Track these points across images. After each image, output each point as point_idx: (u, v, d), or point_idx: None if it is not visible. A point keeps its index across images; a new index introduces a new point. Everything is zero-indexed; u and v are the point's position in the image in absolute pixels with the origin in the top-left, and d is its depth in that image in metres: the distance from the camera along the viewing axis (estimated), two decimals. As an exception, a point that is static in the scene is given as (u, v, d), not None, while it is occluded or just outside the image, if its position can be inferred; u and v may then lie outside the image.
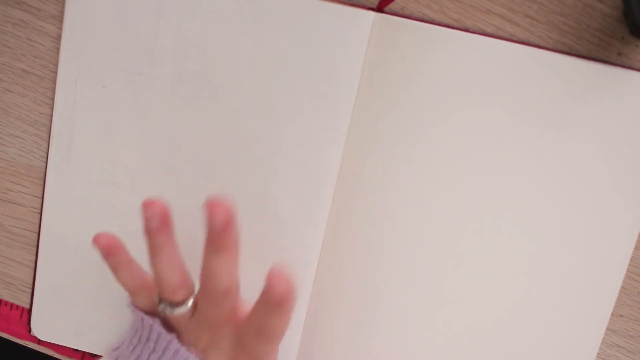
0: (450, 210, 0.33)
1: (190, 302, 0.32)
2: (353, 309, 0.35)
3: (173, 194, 0.35)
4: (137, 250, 0.32)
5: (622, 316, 0.34)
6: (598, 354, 0.34)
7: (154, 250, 0.31)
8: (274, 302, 0.28)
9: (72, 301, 0.38)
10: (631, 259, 0.33)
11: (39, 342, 0.40)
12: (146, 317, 0.33)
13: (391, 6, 0.32)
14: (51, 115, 0.37)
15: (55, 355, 0.40)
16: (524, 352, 0.34)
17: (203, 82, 0.34)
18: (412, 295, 0.35)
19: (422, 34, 0.32)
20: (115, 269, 0.33)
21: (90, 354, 0.39)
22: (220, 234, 0.29)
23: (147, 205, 0.30)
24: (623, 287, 0.33)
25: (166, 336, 0.32)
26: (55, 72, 0.36)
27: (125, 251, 0.32)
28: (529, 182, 0.32)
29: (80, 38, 0.35)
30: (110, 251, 0.32)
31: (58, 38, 0.36)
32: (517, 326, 0.34)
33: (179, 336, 0.33)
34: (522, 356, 0.34)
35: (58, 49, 0.36)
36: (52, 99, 0.37)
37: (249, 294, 0.35)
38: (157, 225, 0.30)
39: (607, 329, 0.34)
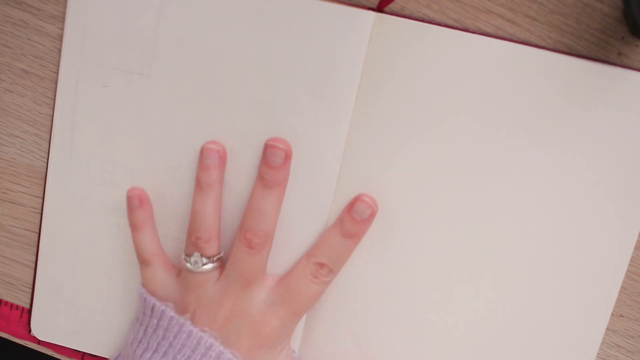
0: (450, 210, 0.33)
1: (219, 258, 0.32)
2: (354, 308, 0.35)
3: (173, 194, 0.35)
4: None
5: (622, 316, 0.34)
6: (598, 354, 0.34)
7: (201, 189, 0.32)
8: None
9: (72, 301, 0.38)
10: (631, 259, 0.33)
11: (39, 342, 0.40)
12: (158, 303, 0.33)
13: (391, 6, 0.32)
14: (51, 115, 0.37)
15: (55, 355, 0.40)
16: (524, 351, 0.34)
17: (203, 82, 0.34)
18: (412, 294, 0.35)
19: (422, 34, 0.32)
20: (138, 226, 0.34)
21: (90, 354, 0.39)
22: (274, 169, 0.31)
23: (206, 147, 0.33)
24: (623, 287, 0.33)
25: (178, 319, 0.32)
26: (55, 72, 0.36)
27: (152, 211, 0.33)
28: (529, 181, 0.32)
29: (81, 38, 0.35)
30: (142, 202, 0.34)
31: (58, 38, 0.36)
32: (517, 326, 0.34)
33: (193, 318, 0.32)
34: (522, 356, 0.34)
35: (58, 49, 0.36)
36: (52, 99, 0.37)
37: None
38: (214, 163, 0.32)
39: (607, 329, 0.34)
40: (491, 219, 0.33)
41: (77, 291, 0.38)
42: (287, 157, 0.32)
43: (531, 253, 0.33)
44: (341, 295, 0.35)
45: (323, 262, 0.33)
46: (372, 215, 0.33)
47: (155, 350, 0.32)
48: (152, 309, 0.33)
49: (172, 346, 0.32)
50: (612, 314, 0.33)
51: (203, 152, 0.33)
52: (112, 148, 0.36)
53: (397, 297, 0.35)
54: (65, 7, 0.35)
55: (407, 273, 0.34)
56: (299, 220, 0.34)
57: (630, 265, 0.33)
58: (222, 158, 0.33)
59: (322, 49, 0.32)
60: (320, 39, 0.32)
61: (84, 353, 0.39)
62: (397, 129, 0.33)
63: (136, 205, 0.34)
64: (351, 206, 0.33)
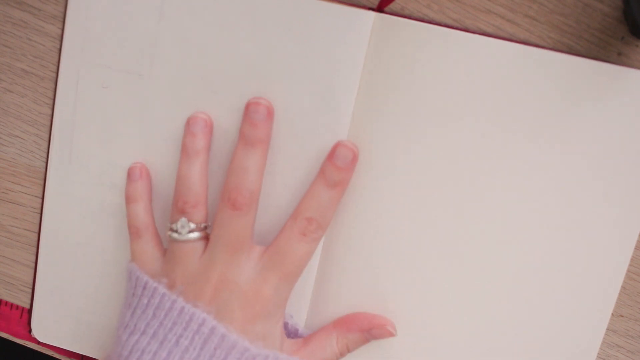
0: (451, 209, 0.33)
1: (205, 227, 0.32)
2: (355, 307, 0.35)
3: (172, 194, 0.35)
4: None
5: (622, 316, 0.34)
6: (598, 354, 0.34)
7: (188, 155, 0.32)
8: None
9: (72, 302, 0.38)
10: (631, 259, 0.33)
11: (39, 342, 0.40)
12: (150, 281, 0.32)
13: (391, 6, 0.32)
14: (51, 115, 0.37)
15: (55, 355, 0.40)
16: (524, 351, 0.34)
17: (203, 82, 0.34)
18: (413, 294, 0.35)
19: (422, 34, 0.32)
20: (135, 198, 0.34)
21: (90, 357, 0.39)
22: (256, 126, 0.31)
23: (192, 116, 0.33)
24: (623, 287, 0.33)
25: (170, 296, 0.31)
26: (55, 72, 0.36)
27: (151, 186, 0.33)
28: (529, 181, 0.32)
29: (81, 38, 0.35)
30: (142, 175, 0.34)
31: (58, 38, 0.36)
32: (517, 326, 0.34)
33: (181, 294, 0.31)
34: (523, 356, 0.34)
35: (58, 49, 0.36)
36: (52, 99, 0.37)
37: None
38: (201, 130, 0.32)
39: (607, 329, 0.34)
40: (490, 219, 0.33)
41: (77, 291, 0.38)
42: (270, 114, 0.32)
43: (531, 253, 0.33)
44: (342, 295, 0.35)
45: (310, 216, 0.31)
46: (355, 159, 0.32)
47: (144, 332, 0.31)
48: (144, 287, 0.32)
49: (162, 325, 0.30)
50: (612, 314, 0.33)
51: (190, 121, 0.33)
52: (112, 148, 0.36)
53: (397, 296, 0.35)
54: (65, 7, 0.35)
55: (408, 274, 0.34)
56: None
57: (630, 265, 0.33)
58: (209, 127, 0.33)
59: (322, 49, 0.32)
60: (320, 39, 0.32)
61: (82, 355, 0.39)
62: (397, 128, 0.33)
63: (136, 177, 0.34)
64: (332, 154, 0.32)
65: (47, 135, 0.37)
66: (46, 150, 0.37)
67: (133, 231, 0.34)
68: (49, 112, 0.37)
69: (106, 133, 0.36)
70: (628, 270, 0.33)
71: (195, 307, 0.30)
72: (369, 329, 0.34)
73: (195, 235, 0.32)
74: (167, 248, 0.33)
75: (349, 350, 0.34)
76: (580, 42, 0.31)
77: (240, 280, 0.31)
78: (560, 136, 0.32)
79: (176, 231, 0.32)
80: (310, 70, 0.33)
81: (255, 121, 0.32)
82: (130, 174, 0.35)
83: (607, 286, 0.33)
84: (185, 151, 0.33)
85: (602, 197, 0.32)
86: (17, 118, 0.37)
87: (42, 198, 0.38)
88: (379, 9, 0.32)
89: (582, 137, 0.32)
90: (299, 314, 0.36)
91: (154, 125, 0.35)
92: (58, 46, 0.36)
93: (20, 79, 0.37)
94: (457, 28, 0.32)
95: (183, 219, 0.32)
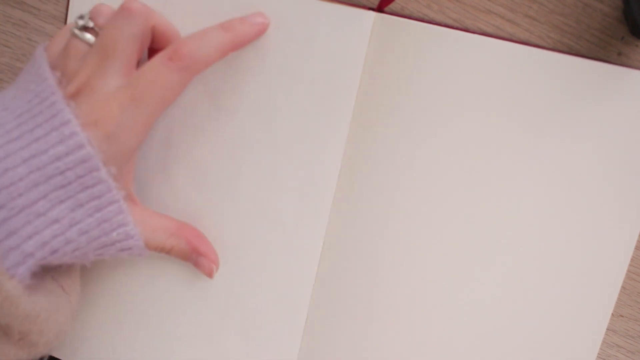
0: (450, 209, 0.33)
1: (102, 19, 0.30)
2: (354, 310, 0.35)
3: (172, 196, 0.35)
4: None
5: (622, 316, 0.34)
6: (598, 354, 0.34)
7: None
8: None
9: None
10: (631, 259, 0.33)
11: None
12: (47, 68, 0.29)
13: (391, 6, 0.32)
14: (51, 115, 0.37)
15: (55, 355, 0.40)
16: (525, 352, 0.34)
17: (202, 83, 0.34)
18: (413, 294, 0.35)
19: (422, 34, 0.32)
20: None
21: None
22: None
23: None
24: (623, 287, 0.33)
25: (51, 89, 0.28)
26: (55, 72, 0.36)
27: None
28: (529, 181, 0.32)
29: (80, 38, 0.35)
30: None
31: (58, 38, 0.36)
32: (517, 326, 0.34)
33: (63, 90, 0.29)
34: (523, 356, 0.34)
35: (58, 49, 0.36)
36: (52, 99, 0.37)
37: (249, 295, 0.35)
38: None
39: (607, 329, 0.34)
40: (490, 219, 0.33)
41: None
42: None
43: (531, 253, 0.33)
44: (341, 297, 0.35)
45: (187, 44, 0.29)
46: (263, 26, 0.31)
47: (6, 108, 0.28)
48: (38, 74, 0.29)
49: (30, 112, 0.28)
50: (612, 314, 0.33)
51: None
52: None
53: (397, 296, 0.35)
54: (65, 7, 0.35)
55: (408, 273, 0.34)
56: (298, 220, 0.34)
57: (630, 265, 0.33)
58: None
59: (322, 49, 0.32)
60: (320, 39, 0.32)
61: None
62: (397, 128, 0.33)
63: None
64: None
65: (47, 135, 0.37)
66: (46, 150, 0.37)
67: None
68: (49, 112, 0.37)
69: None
70: (628, 270, 0.33)
71: (68, 106, 0.28)
72: (200, 254, 0.34)
73: (88, 36, 0.30)
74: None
75: (168, 254, 0.33)
76: (580, 42, 0.31)
77: (99, 89, 0.28)
78: (560, 136, 0.32)
79: (77, 23, 0.30)
80: (310, 70, 0.33)
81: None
82: None
83: (607, 286, 0.33)
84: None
85: (602, 197, 0.32)
86: (17, 118, 0.37)
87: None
88: (379, 9, 0.32)
89: (582, 137, 0.32)
90: (298, 317, 0.36)
91: (153, 126, 0.35)
92: (58, 46, 0.36)
93: (20, 79, 0.37)
94: (457, 28, 0.32)
95: (87, 16, 0.30)
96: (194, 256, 0.34)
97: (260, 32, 0.32)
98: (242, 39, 0.31)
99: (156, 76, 0.28)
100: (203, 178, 0.35)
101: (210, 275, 0.35)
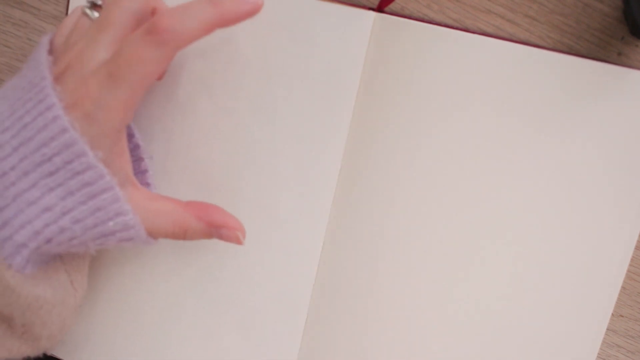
0: (450, 209, 0.33)
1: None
2: (354, 310, 0.35)
3: (172, 195, 0.35)
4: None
5: (622, 316, 0.34)
6: (598, 354, 0.34)
7: None
8: None
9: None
10: (631, 259, 0.33)
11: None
12: (44, 53, 0.28)
13: (391, 6, 0.32)
14: (51, 115, 0.37)
15: (56, 354, 0.40)
16: (524, 351, 0.34)
17: (202, 83, 0.34)
18: (413, 294, 0.35)
19: (422, 34, 0.32)
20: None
21: None
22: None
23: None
24: (623, 287, 0.33)
25: (44, 73, 0.27)
26: (56, 72, 0.36)
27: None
28: (529, 181, 0.33)
29: (80, 38, 0.35)
30: None
31: (58, 38, 0.36)
32: (517, 326, 0.34)
33: (53, 62, 0.28)
34: (523, 356, 0.34)
35: (58, 49, 0.36)
36: (52, 99, 0.37)
37: (249, 295, 0.35)
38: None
39: (607, 329, 0.34)
40: (490, 219, 0.33)
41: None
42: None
43: (531, 253, 0.33)
44: (341, 296, 0.35)
45: (166, 16, 0.26)
46: (255, 6, 0.28)
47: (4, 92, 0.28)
48: (40, 62, 0.28)
49: (23, 89, 0.27)
50: (612, 314, 0.33)
51: None
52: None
53: (397, 296, 0.35)
54: (65, 7, 0.35)
55: (407, 273, 0.34)
56: (298, 220, 0.34)
57: (630, 265, 0.33)
58: None
59: (322, 49, 0.32)
60: (320, 39, 0.32)
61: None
62: (397, 128, 0.33)
63: None
64: None
65: (47, 135, 0.37)
66: (46, 150, 0.37)
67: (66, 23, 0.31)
68: (49, 112, 0.37)
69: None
70: (628, 270, 0.33)
71: (54, 90, 0.27)
72: (218, 226, 0.31)
73: (94, 13, 0.30)
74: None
75: (184, 238, 0.31)
76: (580, 42, 0.31)
77: (85, 65, 0.27)
78: (560, 136, 0.32)
79: (87, 4, 0.30)
80: (310, 70, 0.33)
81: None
82: None
83: (607, 286, 0.33)
84: None
85: (602, 197, 0.32)
86: (17, 118, 0.37)
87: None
88: (379, 9, 0.32)
89: (582, 137, 0.32)
90: (297, 315, 0.36)
91: (151, 125, 0.35)
92: (58, 46, 0.36)
93: (20, 79, 0.37)
94: (457, 28, 0.32)
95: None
96: (214, 231, 0.32)
97: (252, 12, 0.29)
98: (229, 17, 0.28)
99: (134, 51, 0.26)
100: (203, 178, 0.35)
101: (239, 243, 0.32)
